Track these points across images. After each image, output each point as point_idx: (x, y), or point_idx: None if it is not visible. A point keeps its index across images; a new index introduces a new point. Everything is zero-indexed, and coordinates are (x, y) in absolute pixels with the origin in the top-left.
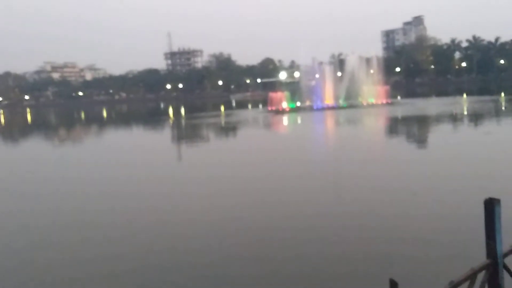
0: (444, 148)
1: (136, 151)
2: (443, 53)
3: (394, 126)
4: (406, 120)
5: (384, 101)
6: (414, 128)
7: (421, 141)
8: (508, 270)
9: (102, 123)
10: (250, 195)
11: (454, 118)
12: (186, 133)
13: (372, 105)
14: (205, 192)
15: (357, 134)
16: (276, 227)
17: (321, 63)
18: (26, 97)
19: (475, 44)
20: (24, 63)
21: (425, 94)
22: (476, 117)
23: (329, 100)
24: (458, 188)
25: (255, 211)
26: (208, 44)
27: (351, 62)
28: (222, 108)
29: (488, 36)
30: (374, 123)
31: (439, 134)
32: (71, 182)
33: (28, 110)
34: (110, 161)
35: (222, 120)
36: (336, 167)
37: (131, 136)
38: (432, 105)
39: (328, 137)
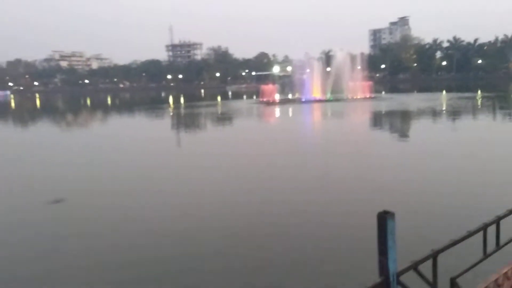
0: (416, 143)
1: (140, 138)
2: (426, 52)
3: (373, 119)
4: (385, 114)
5: (368, 96)
6: (390, 121)
7: (393, 133)
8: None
9: (107, 110)
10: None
11: (432, 113)
12: (186, 121)
13: (355, 99)
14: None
15: (332, 124)
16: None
17: (311, 59)
18: (36, 83)
19: (455, 44)
20: (34, 52)
21: (407, 90)
22: (453, 113)
23: (317, 94)
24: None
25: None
26: (207, 39)
27: (338, 58)
28: (219, 98)
29: (467, 37)
30: (353, 116)
31: (411, 127)
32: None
33: (37, 95)
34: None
35: (218, 110)
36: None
37: (135, 122)
38: (412, 101)
39: (302, 126)
